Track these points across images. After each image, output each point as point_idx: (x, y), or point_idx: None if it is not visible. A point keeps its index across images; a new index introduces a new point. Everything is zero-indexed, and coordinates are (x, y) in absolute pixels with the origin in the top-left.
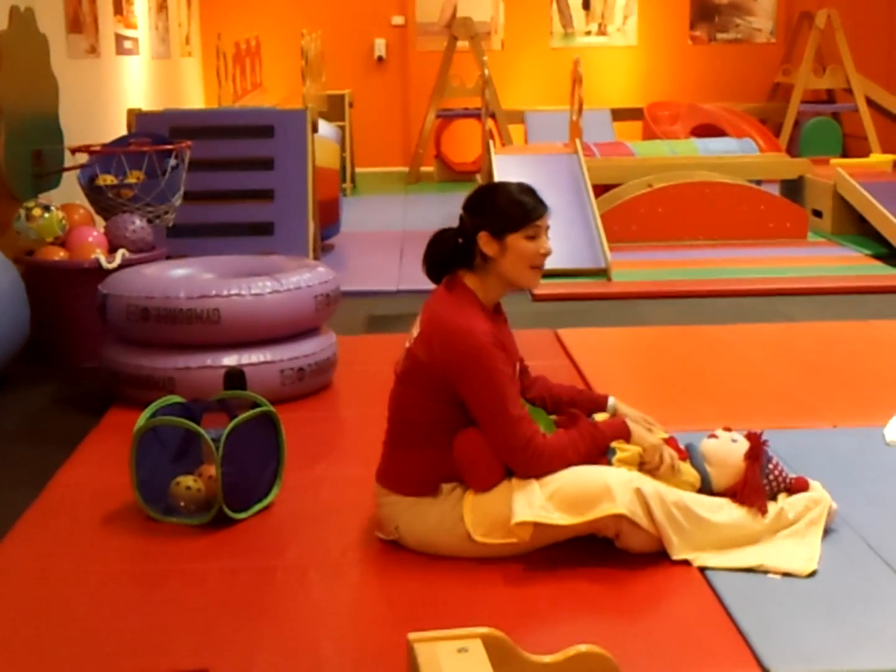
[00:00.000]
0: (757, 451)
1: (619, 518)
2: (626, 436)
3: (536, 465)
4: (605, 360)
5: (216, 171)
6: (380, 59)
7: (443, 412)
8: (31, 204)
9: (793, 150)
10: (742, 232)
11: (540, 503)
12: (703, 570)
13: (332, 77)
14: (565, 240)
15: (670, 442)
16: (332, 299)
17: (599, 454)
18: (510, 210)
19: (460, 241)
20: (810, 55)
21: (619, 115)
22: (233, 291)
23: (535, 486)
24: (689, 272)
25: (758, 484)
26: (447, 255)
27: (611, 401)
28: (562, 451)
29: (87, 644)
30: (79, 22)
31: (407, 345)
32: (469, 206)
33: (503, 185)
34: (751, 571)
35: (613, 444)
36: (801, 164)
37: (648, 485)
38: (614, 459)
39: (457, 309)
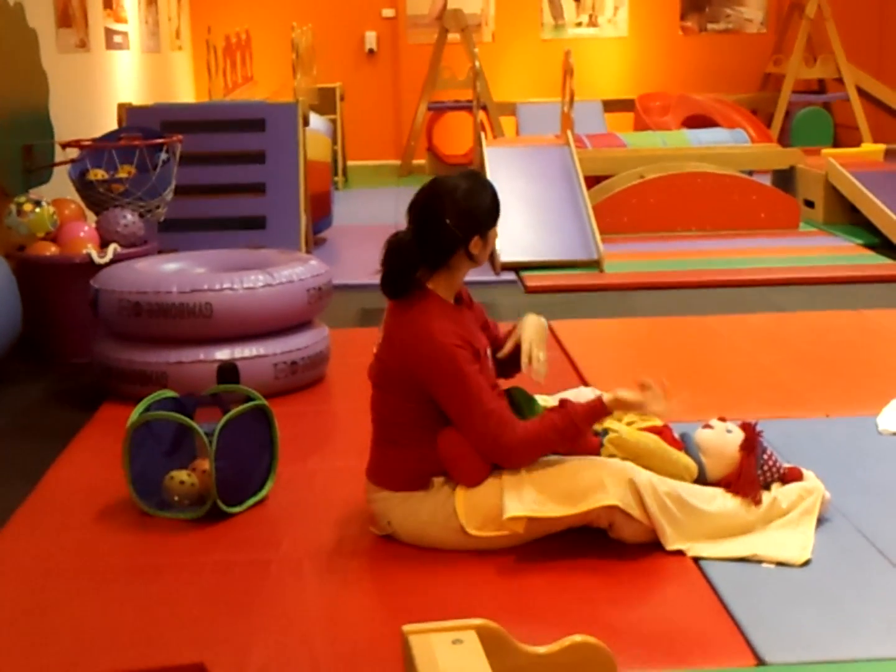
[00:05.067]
0: (752, 442)
1: (612, 509)
2: (603, 415)
3: (514, 456)
4: (597, 352)
5: (207, 165)
6: (371, 51)
7: (423, 411)
8: (21, 199)
9: (784, 140)
10: (734, 222)
11: (532, 496)
12: (696, 559)
13: (322, 70)
14: (557, 231)
15: (665, 431)
16: (324, 293)
17: (578, 436)
18: (495, 208)
19: (427, 247)
20: (801, 45)
21: (610, 106)
22: (225, 285)
23: (526, 479)
24: (681, 263)
25: (753, 474)
26: (415, 264)
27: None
28: (538, 440)
29: (82, 638)
30: (68, 16)
31: (374, 350)
32: (456, 215)
33: (469, 185)
34: (745, 561)
35: (605, 425)
36: (793, 154)
37: (641, 475)
38: (606, 440)
39: (418, 313)
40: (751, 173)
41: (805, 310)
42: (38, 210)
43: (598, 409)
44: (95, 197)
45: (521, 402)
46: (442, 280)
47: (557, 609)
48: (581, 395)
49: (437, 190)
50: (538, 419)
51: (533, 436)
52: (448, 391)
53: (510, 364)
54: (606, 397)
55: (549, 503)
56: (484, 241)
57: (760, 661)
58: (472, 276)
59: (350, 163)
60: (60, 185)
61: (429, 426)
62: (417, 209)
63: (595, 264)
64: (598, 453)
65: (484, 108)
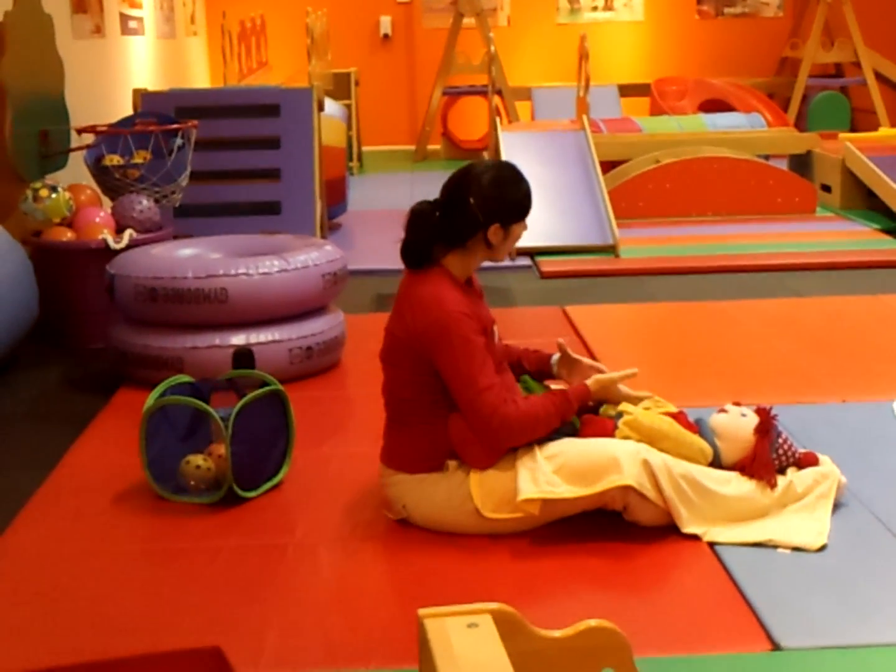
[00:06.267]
0: (766, 426)
1: (627, 490)
2: (588, 398)
3: (505, 435)
4: (613, 337)
5: (222, 151)
6: (385, 36)
7: (431, 385)
8: (38, 185)
9: (801, 124)
10: (750, 207)
11: (546, 478)
12: (712, 544)
13: (337, 55)
14: (573, 216)
15: (679, 417)
16: (339, 278)
17: (572, 414)
18: (523, 204)
19: (448, 222)
20: (818, 29)
21: (626, 90)
22: (240, 271)
23: (540, 459)
24: (697, 248)
25: (767, 458)
26: (434, 235)
27: (554, 360)
28: (531, 420)
29: (99, 622)
30: (83, 2)
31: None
32: (480, 194)
33: (509, 176)
34: (760, 546)
35: (620, 408)
36: (810, 138)
37: (656, 457)
38: (621, 423)
39: (429, 284)
40: (767, 158)
41: (821, 295)
42: (54, 196)
43: (586, 393)
44: (111, 182)
45: (534, 390)
46: (457, 260)
47: (572, 593)
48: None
49: (472, 170)
50: (535, 397)
51: (527, 417)
52: (450, 357)
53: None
54: (589, 382)
55: (564, 484)
56: (505, 232)
57: (776, 646)
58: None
59: (365, 148)
60: (76, 170)
61: (440, 403)
62: (449, 185)
63: (610, 249)
64: (612, 436)
65: (499, 92)
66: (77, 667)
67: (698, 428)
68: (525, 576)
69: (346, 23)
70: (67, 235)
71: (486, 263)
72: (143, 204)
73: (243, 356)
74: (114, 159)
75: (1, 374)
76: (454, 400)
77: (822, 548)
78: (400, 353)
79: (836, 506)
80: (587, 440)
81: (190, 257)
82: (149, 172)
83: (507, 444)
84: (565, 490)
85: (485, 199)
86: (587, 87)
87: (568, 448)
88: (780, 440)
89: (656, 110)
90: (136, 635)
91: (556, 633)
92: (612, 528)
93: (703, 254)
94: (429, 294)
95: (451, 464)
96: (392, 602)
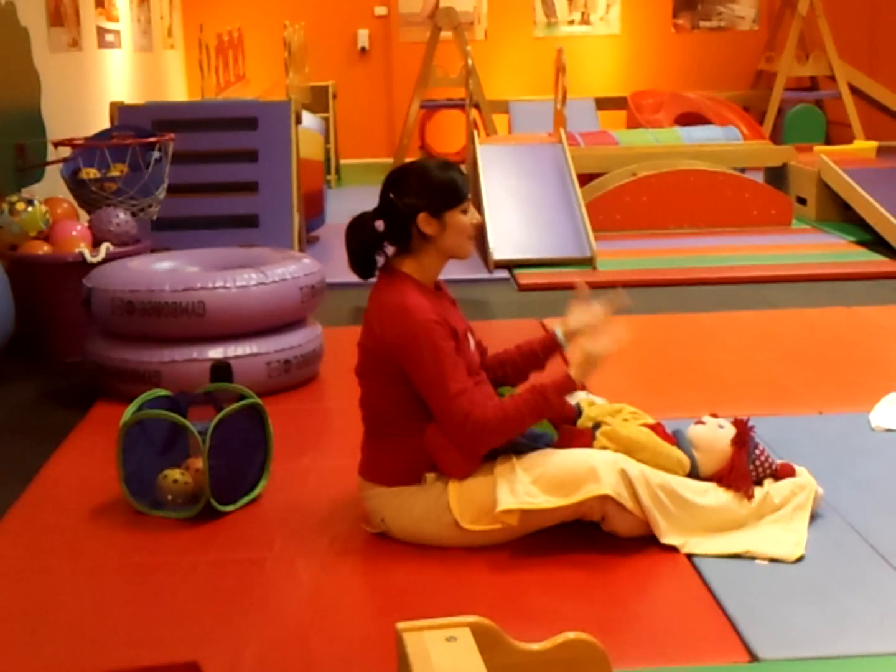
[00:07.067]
0: (743, 437)
1: (605, 499)
2: (571, 388)
3: (479, 438)
4: None
5: (200, 164)
6: (363, 49)
7: (406, 396)
8: (14, 198)
9: (776, 137)
10: (726, 220)
11: (524, 489)
12: (690, 556)
13: (315, 68)
14: (551, 229)
15: (657, 428)
16: (317, 291)
17: (549, 410)
18: (445, 188)
19: (387, 225)
20: (793, 42)
21: (602, 104)
22: (218, 284)
23: (518, 470)
24: (673, 261)
25: (744, 469)
26: (373, 242)
27: (558, 334)
28: (504, 420)
29: (76, 637)
30: (60, 15)
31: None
32: (399, 188)
33: (428, 164)
34: (738, 557)
35: (598, 419)
36: (785, 151)
37: (633, 467)
38: (598, 433)
39: (393, 292)
40: (743, 171)
41: (798, 307)
42: (30, 209)
43: (566, 383)
44: (88, 196)
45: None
46: (413, 264)
47: (551, 605)
48: (573, 397)
49: (394, 169)
50: (508, 398)
51: (504, 413)
52: (420, 364)
53: (521, 370)
54: (570, 370)
55: (542, 495)
56: (439, 221)
57: (754, 658)
58: (465, 273)
59: (343, 161)
60: (53, 183)
61: (416, 413)
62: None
63: (588, 262)
64: (590, 446)
65: (476, 106)
66: None
67: (676, 439)
68: (504, 588)
69: (323, 36)
70: (44, 249)
71: (464, 275)
72: (120, 217)
73: (221, 370)
74: (90, 172)
75: None
76: (428, 407)
77: (800, 559)
78: (373, 365)
79: (813, 517)
80: (565, 451)
81: (167, 270)
82: (126, 186)
83: (482, 447)
84: (543, 500)
85: (402, 190)
86: (564, 100)
87: (546, 459)
88: (757, 451)
89: (633, 123)
90: (114, 650)
91: (535, 646)
92: (591, 540)
93: (679, 266)
94: (394, 303)
95: (430, 476)
96: (370, 615)
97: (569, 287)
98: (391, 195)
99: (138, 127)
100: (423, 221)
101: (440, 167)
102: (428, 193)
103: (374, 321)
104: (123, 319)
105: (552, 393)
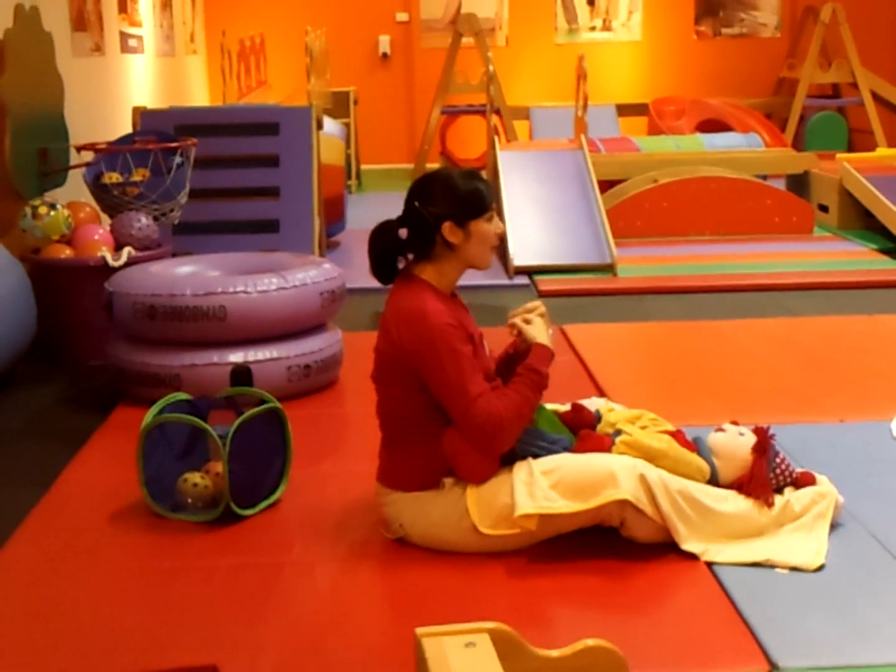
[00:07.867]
0: (764, 445)
1: (624, 505)
2: (551, 355)
3: (499, 436)
4: (610, 356)
5: (221, 169)
6: (384, 55)
7: (424, 401)
8: (37, 202)
9: (798, 144)
10: (747, 227)
11: (543, 493)
12: (709, 564)
13: (336, 74)
14: (571, 235)
15: (677, 435)
16: (337, 296)
17: (546, 381)
18: (471, 198)
19: (411, 233)
20: (815, 49)
21: (623, 110)
22: (239, 288)
23: (536, 474)
24: (694, 267)
25: (764, 477)
26: (397, 249)
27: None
28: (517, 409)
29: (95, 641)
30: (83, 20)
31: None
32: (424, 197)
33: (454, 174)
34: (758, 566)
35: (619, 426)
36: (807, 158)
37: (652, 472)
38: (618, 441)
39: (410, 297)
40: (765, 178)
41: (819, 315)
42: (52, 213)
43: (545, 352)
44: (110, 200)
45: (539, 419)
46: (434, 271)
47: (570, 612)
48: (592, 403)
49: (419, 178)
50: (506, 388)
51: (512, 402)
52: (438, 369)
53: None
54: (538, 341)
55: (561, 500)
56: (463, 230)
57: (773, 666)
58: (485, 279)
59: (363, 166)
60: (75, 188)
61: (433, 419)
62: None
63: (608, 268)
64: (609, 452)
65: (497, 112)
66: None
67: (696, 446)
68: (523, 595)
69: (345, 42)
70: (66, 253)
71: (484, 281)
72: (142, 221)
73: (241, 374)
74: (113, 177)
75: None
76: (447, 412)
77: (820, 568)
78: (390, 370)
79: (834, 526)
80: (584, 455)
81: (188, 275)
82: (148, 190)
83: (503, 444)
84: (562, 505)
85: (429, 198)
86: (585, 106)
87: (565, 463)
88: (778, 459)
89: (654, 130)
90: (134, 653)
91: (554, 653)
92: (610, 546)
93: (700, 273)
94: (412, 308)
95: (448, 481)
96: (389, 621)
97: (589, 293)
98: (416, 204)
99: (160, 132)
100: (448, 230)
101: (465, 176)
102: (453, 202)
103: (391, 326)
104: (145, 323)
105: (540, 364)
